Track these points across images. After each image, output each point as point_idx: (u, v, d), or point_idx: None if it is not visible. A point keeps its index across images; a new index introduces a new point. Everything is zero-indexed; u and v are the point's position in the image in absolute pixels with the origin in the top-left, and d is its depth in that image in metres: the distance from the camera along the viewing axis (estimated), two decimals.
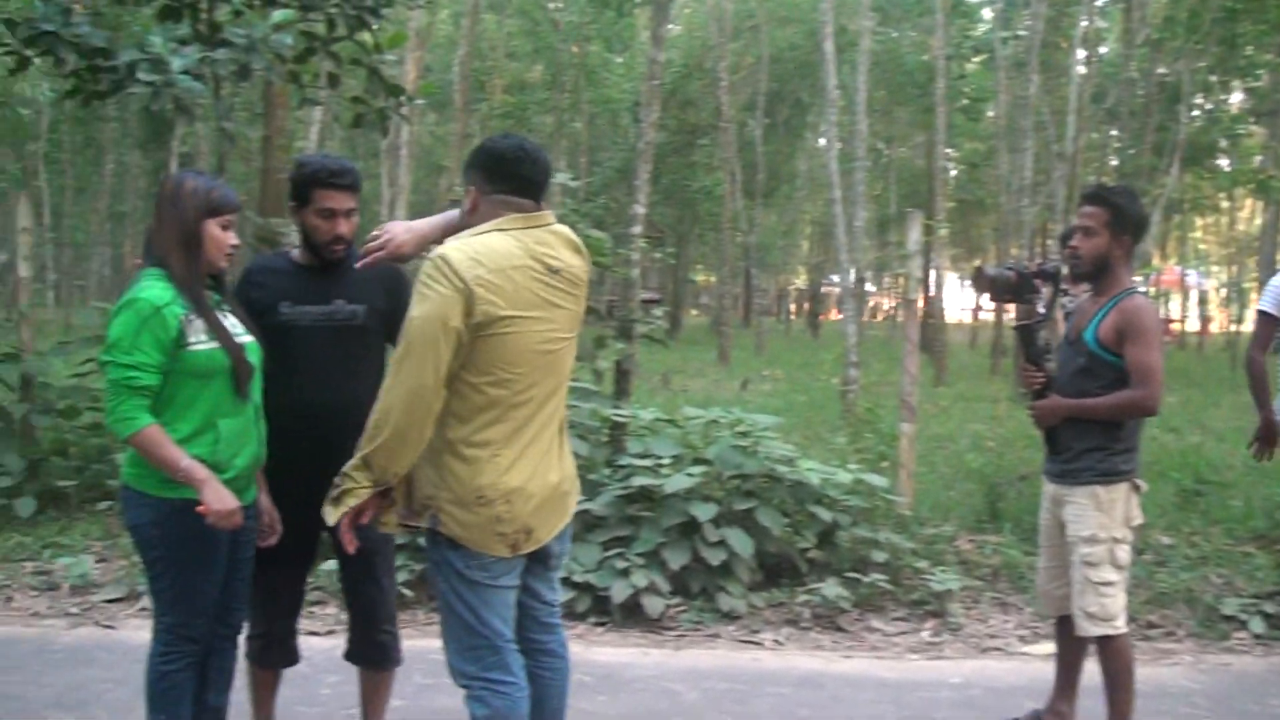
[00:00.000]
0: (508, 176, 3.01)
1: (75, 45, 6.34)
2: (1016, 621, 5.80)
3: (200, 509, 3.07)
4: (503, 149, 3.03)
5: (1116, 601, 3.93)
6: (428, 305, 2.80)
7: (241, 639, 3.58)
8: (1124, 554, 3.97)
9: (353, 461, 2.88)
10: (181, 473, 3.08)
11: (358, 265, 3.28)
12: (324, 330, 3.55)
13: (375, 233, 3.25)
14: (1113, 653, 3.97)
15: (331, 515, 2.92)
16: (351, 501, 2.89)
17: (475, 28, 26.26)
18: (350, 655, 3.80)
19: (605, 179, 31.93)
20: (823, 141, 31.75)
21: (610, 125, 37.32)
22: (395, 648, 3.78)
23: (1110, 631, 3.95)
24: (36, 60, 6.61)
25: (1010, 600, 6.02)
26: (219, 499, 3.09)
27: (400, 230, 3.23)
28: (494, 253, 2.89)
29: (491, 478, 2.90)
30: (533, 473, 2.98)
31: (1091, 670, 4.16)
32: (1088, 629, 3.97)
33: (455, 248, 2.87)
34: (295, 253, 3.68)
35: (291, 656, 3.79)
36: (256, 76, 6.82)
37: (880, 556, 5.95)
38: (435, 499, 2.93)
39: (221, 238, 3.27)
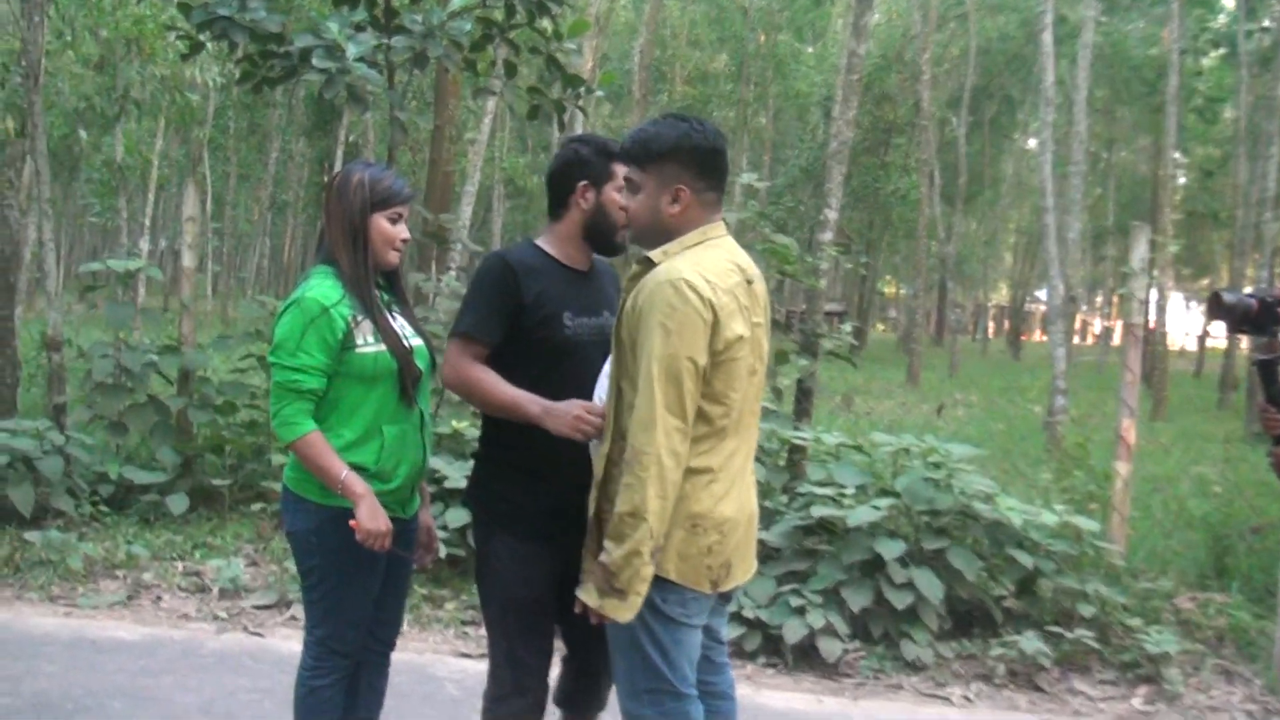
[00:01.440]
0: (717, 171, 2.98)
1: (249, 30, 6.63)
2: (1244, 694, 5.52)
3: (352, 523, 3.15)
4: (712, 138, 2.95)
5: None
6: (676, 340, 2.75)
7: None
8: None
9: (631, 539, 2.74)
10: (340, 485, 3.16)
11: None
12: (597, 348, 3.25)
13: None
14: None
15: (627, 611, 2.80)
16: (645, 588, 2.79)
17: (657, 14, 26.49)
18: (560, 699, 3.63)
19: (789, 179, 31.82)
20: (1034, 143, 31.00)
21: (798, 120, 37.21)
22: (606, 691, 3.60)
23: None
24: (209, 45, 6.89)
25: (1237, 669, 5.74)
26: (373, 518, 3.15)
27: None
28: (718, 270, 2.86)
29: (707, 505, 2.87)
30: (742, 502, 2.98)
31: None
32: None
33: (690, 268, 2.81)
34: (545, 245, 3.41)
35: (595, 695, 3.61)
36: (431, 64, 7.00)
37: (1087, 610, 5.75)
38: None
39: (390, 232, 3.33)
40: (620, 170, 3.16)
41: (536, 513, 3.25)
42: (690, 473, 2.84)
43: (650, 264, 2.90)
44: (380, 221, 3.31)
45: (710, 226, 2.96)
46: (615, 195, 3.26)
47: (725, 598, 3.12)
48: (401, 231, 3.36)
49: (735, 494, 2.93)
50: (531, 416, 3.12)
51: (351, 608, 3.34)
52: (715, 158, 2.96)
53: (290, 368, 3.16)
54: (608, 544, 2.80)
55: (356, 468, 3.20)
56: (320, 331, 3.17)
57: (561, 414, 3.07)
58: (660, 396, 2.74)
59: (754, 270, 3.02)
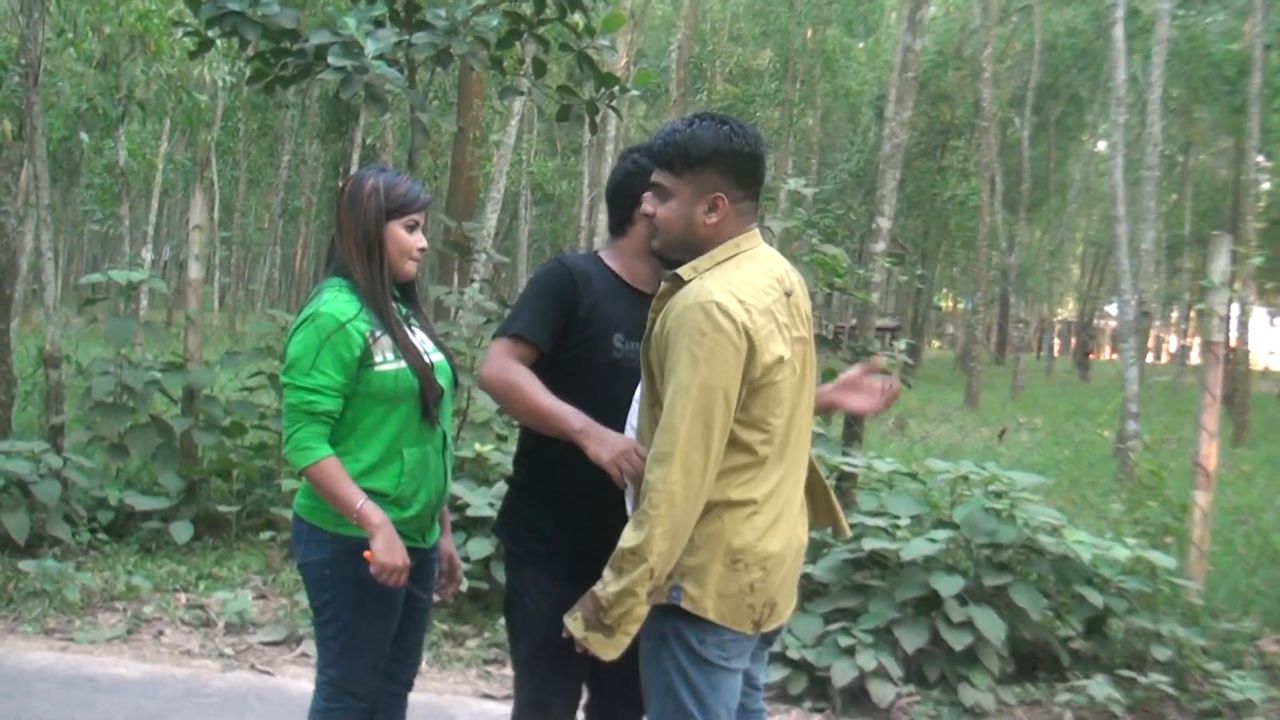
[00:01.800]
0: (756, 179, 2.95)
1: (261, 26, 6.69)
2: None
3: (367, 555, 3.15)
4: (753, 142, 2.92)
5: None
6: (706, 370, 2.72)
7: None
8: None
9: (629, 577, 2.74)
10: (355, 515, 3.16)
11: None
12: (637, 375, 3.13)
13: None
14: None
15: (611, 649, 2.79)
16: (635, 628, 2.79)
17: (697, 7, 26.56)
18: None
19: (839, 185, 31.80)
20: (1104, 146, 30.83)
21: (847, 121, 37.21)
22: None
23: None
24: (219, 42, 6.93)
25: None
26: (390, 551, 3.16)
27: None
28: (753, 287, 2.83)
29: (749, 540, 2.83)
30: (789, 536, 2.94)
31: None
32: None
33: (721, 288, 2.77)
34: (608, 259, 3.38)
35: None
36: (455, 62, 7.04)
37: (1162, 653, 5.69)
38: (679, 568, 2.83)
39: (406, 241, 3.35)
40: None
41: (568, 549, 3.24)
42: (729, 505, 2.82)
43: (679, 282, 2.87)
44: (396, 230, 3.32)
45: (744, 237, 2.93)
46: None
47: (767, 639, 3.10)
48: (419, 240, 3.38)
49: (781, 527, 2.90)
50: (571, 431, 3.04)
51: (367, 646, 3.35)
52: (755, 164, 2.93)
53: (304, 388, 3.18)
54: (605, 575, 2.79)
55: (373, 493, 3.21)
56: (336, 349, 3.18)
57: (607, 441, 2.99)
58: (684, 431, 2.71)
59: (793, 278, 3.00)
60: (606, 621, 2.77)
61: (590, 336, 3.21)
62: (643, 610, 2.77)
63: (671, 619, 2.86)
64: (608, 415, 3.07)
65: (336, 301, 3.25)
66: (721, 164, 2.89)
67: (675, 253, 2.97)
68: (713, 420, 2.72)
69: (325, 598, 3.32)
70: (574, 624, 2.84)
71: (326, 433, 3.21)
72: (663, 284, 2.92)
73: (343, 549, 3.24)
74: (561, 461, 3.15)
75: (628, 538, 2.75)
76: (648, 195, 3.07)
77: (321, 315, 3.21)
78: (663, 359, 2.81)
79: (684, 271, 2.87)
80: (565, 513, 3.25)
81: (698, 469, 2.72)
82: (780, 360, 2.81)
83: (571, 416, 3.06)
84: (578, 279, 3.24)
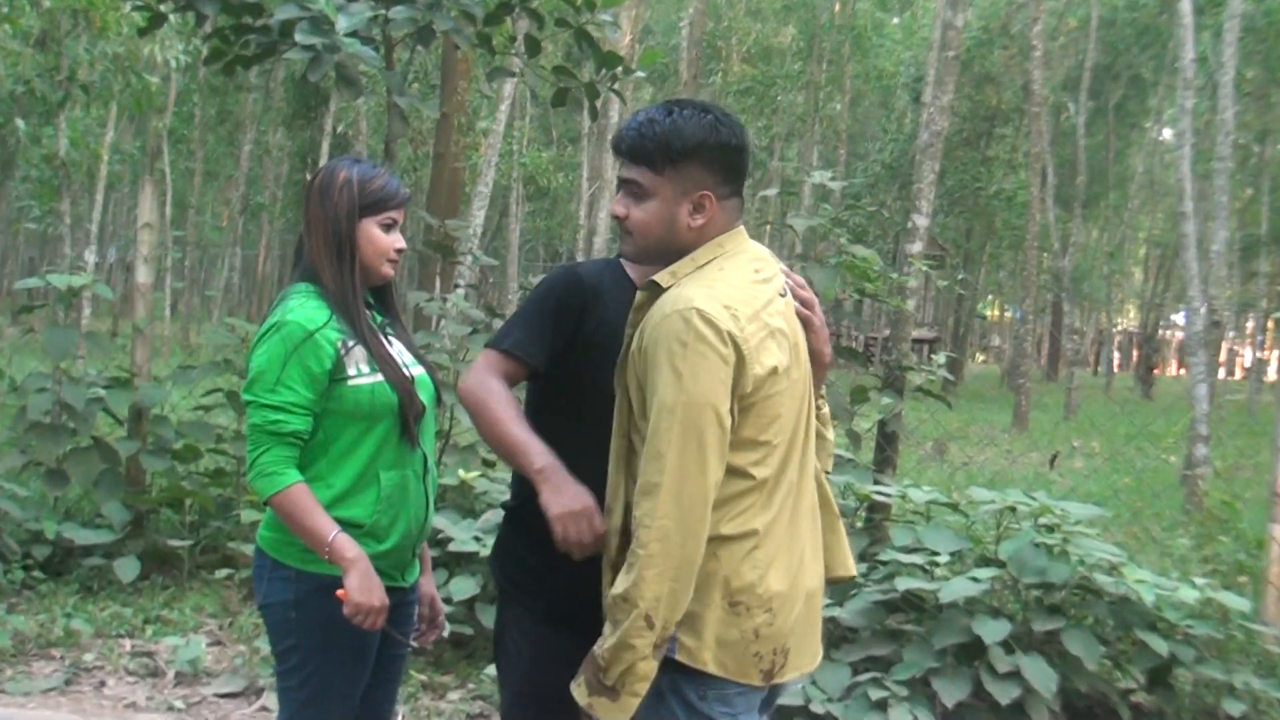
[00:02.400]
0: (742, 172, 2.95)
1: (220, 0, 6.70)
2: None
3: (340, 593, 3.14)
4: (739, 133, 2.92)
5: None
6: (691, 385, 2.68)
7: None
8: None
9: (622, 628, 2.70)
10: (327, 549, 3.14)
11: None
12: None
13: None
14: None
15: (619, 713, 2.75)
16: (643, 687, 2.74)
17: None
18: None
19: (870, 178, 31.86)
20: (1169, 134, 30.88)
21: (880, 106, 37.30)
22: None
23: None
24: (172, 18, 6.95)
25: None
26: (366, 590, 3.14)
27: None
28: (740, 291, 2.80)
29: (750, 579, 2.79)
30: (798, 573, 2.89)
31: None
32: None
33: (704, 293, 2.75)
34: (631, 265, 3.26)
35: None
36: (438, 40, 7.06)
37: (1236, 708, 5.68)
38: None
39: (383, 241, 3.35)
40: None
41: (557, 589, 3.20)
42: (725, 541, 2.77)
43: (658, 290, 2.84)
44: (371, 229, 3.32)
45: (728, 236, 2.92)
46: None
47: (775, 690, 3.02)
48: (397, 241, 3.38)
49: (787, 560, 2.86)
50: (530, 470, 3.02)
51: (335, 698, 3.33)
52: (741, 157, 2.93)
53: (269, 406, 3.17)
54: (605, 630, 2.76)
55: (346, 524, 3.19)
56: (305, 361, 3.18)
57: (563, 493, 2.96)
58: (673, 455, 2.67)
59: (783, 279, 2.99)
60: (608, 683, 2.73)
61: (597, 358, 3.11)
62: (648, 667, 2.72)
63: (668, 672, 2.81)
64: (606, 446, 3.00)
65: (304, 308, 3.24)
66: (708, 158, 2.87)
67: (652, 259, 2.95)
68: (706, 441, 2.67)
69: (289, 643, 3.30)
70: (578, 691, 2.81)
71: (294, 456, 3.19)
72: (639, 294, 2.89)
73: (310, 588, 3.22)
74: None
75: (618, 583, 2.72)
76: (618, 195, 3.02)
77: (288, 324, 3.20)
78: (643, 380, 2.78)
79: (662, 278, 2.84)
80: (554, 546, 3.14)
81: (694, 498, 2.67)
82: (774, 371, 2.78)
83: (535, 455, 3.03)
84: (588, 293, 3.18)
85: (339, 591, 3.13)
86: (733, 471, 2.76)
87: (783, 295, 2.92)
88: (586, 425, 3.09)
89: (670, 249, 2.91)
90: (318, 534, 3.14)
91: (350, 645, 3.27)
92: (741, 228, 2.97)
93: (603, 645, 2.74)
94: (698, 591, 2.75)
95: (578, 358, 3.17)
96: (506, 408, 3.12)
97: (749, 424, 2.77)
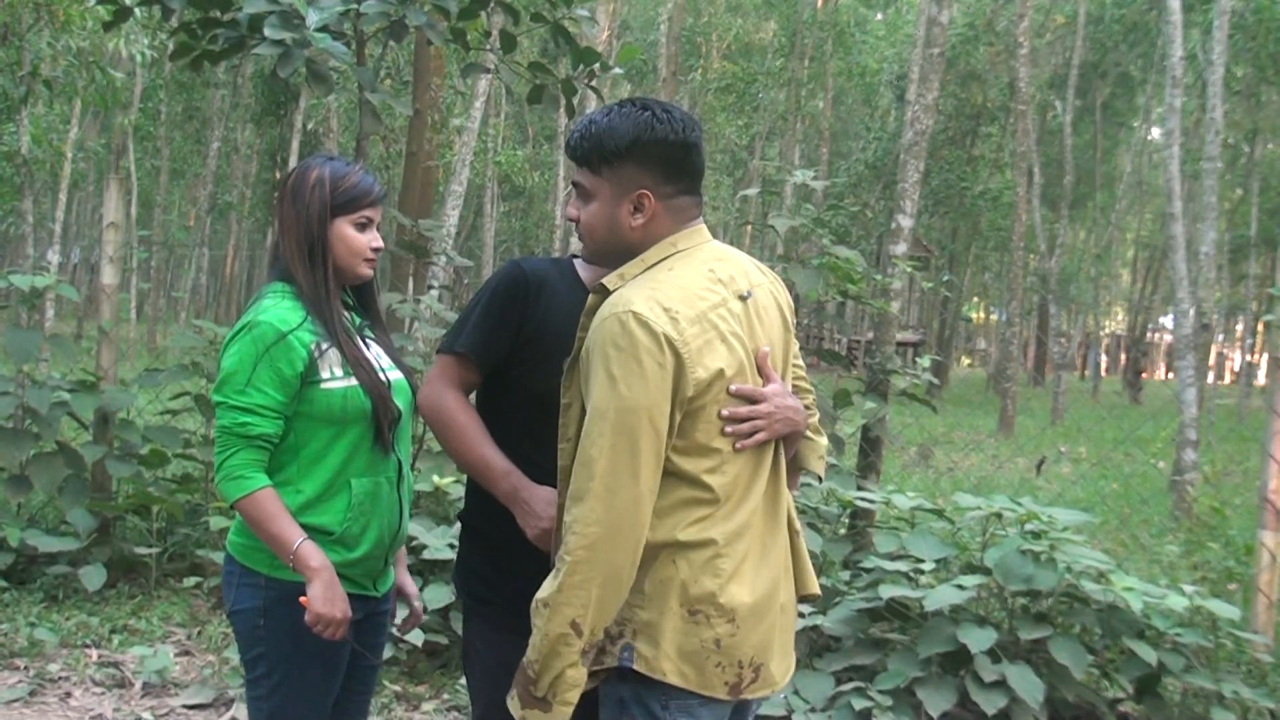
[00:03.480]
0: (688, 170, 2.90)
1: None
2: None
3: (303, 600, 3.13)
4: (680, 128, 2.87)
5: None
6: (625, 390, 2.65)
7: None
8: None
9: (550, 635, 2.67)
10: (291, 555, 3.13)
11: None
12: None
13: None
14: None
15: None
16: (575, 695, 2.70)
17: None
18: None
19: (853, 177, 31.91)
20: (1158, 133, 30.99)
21: (862, 104, 37.37)
22: None
23: None
24: (137, 11, 6.92)
25: None
26: (328, 601, 3.13)
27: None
28: (686, 293, 2.75)
29: (709, 588, 2.74)
30: (770, 585, 2.87)
31: None
32: None
33: (643, 296, 2.71)
34: (582, 264, 3.29)
35: None
36: (411, 35, 7.06)
37: (1225, 717, 5.71)
38: (629, 624, 2.77)
39: (357, 241, 3.34)
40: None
41: (514, 596, 3.12)
42: (681, 548, 2.75)
43: (607, 293, 2.81)
44: (344, 228, 3.32)
45: (682, 235, 2.89)
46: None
47: (745, 704, 2.97)
48: (373, 240, 3.37)
49: (752, 571, 2.82)
50: (496, 493, 3.07)
51: (305, 708, 3.33)
52: (687, 153, 2.89)
53: (239, 408, 3.16)
54: (545, 646, 2.71)
55: (315, 531, 3.19)
56: (276, 363, 3.17)
57: (535, 516, 3.03)
58: (603, 461, 2.63)
59: (756, 277, 2.97)
60: (538, 694, 2.70)
61: (533, 357, 3.14)
62: (577, 674, 2.69)
63: (629, 683, 2.79)
64: (545, 454, 3.01)
65: (278, 309, 3.24)
66: (643, 156, 2.85)
67: (605, 261, 2.94)
68: (638, 446, 2.64)
69: (258, 651, 3.29)
70: (512, 704, 2.78)
71: (263, 460, 3.19)
72: (590, 298, 2.86)
73: (279, 595, 3.21)
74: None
75: (543, 588, 2.69)
76: (572, 198, 3.02)
77: (260, 324, 3.19)
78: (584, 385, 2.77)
79: (610, 281, 2.82)
80: (513, 557, 3.18)
81: (625, 505, 2.64)
82: (721, 374, 2.75)
83: (500, 476, 3.07)
84: (530, 286, 3.17)
85: (302, 599, 3.12)
86: (683, 477, 2.74)
87: (744, 297, 2.88)
88: (521, 426, 3.14)
89: (619, 250, 2.90)
90: (283, 540, 3.13)
91: (320, 654, 3.26)
92: (701, 226, 2.94)
93: (529, 654, 2.71)
94: (655, 599, 2.74)
95: (517, 355, 3.16)
96: (467, 425, 3.14)
97: (698, 429, 2.74)
